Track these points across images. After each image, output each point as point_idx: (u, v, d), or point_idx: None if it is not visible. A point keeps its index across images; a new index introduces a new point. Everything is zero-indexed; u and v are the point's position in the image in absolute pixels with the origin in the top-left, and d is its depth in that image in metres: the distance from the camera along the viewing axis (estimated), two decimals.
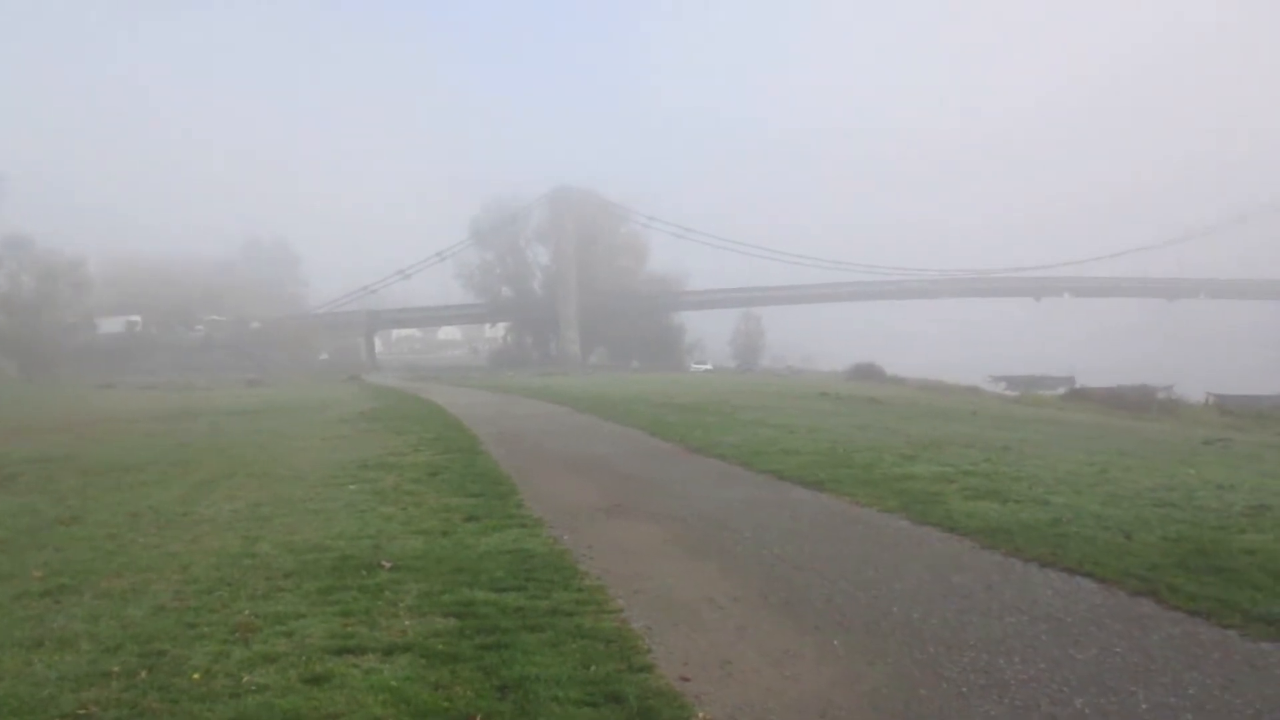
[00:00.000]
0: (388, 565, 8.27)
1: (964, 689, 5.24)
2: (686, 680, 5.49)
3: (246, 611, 6.93)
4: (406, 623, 6.59)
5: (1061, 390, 54.22)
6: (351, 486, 13.27)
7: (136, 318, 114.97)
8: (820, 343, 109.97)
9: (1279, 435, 24.32)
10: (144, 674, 5.64)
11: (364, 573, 8.02)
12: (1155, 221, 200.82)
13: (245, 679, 5.53)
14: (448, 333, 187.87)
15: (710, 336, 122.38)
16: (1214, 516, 9.52)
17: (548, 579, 7.75)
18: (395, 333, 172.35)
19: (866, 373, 67.43)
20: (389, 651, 5.98)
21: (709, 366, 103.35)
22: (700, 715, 4.99)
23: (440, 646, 6.03)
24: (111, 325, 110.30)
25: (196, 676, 5.58)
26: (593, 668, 5.61)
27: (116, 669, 5.71)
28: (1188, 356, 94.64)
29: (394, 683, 5.39)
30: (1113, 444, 18.37)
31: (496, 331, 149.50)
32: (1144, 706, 4.92)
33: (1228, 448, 18.56)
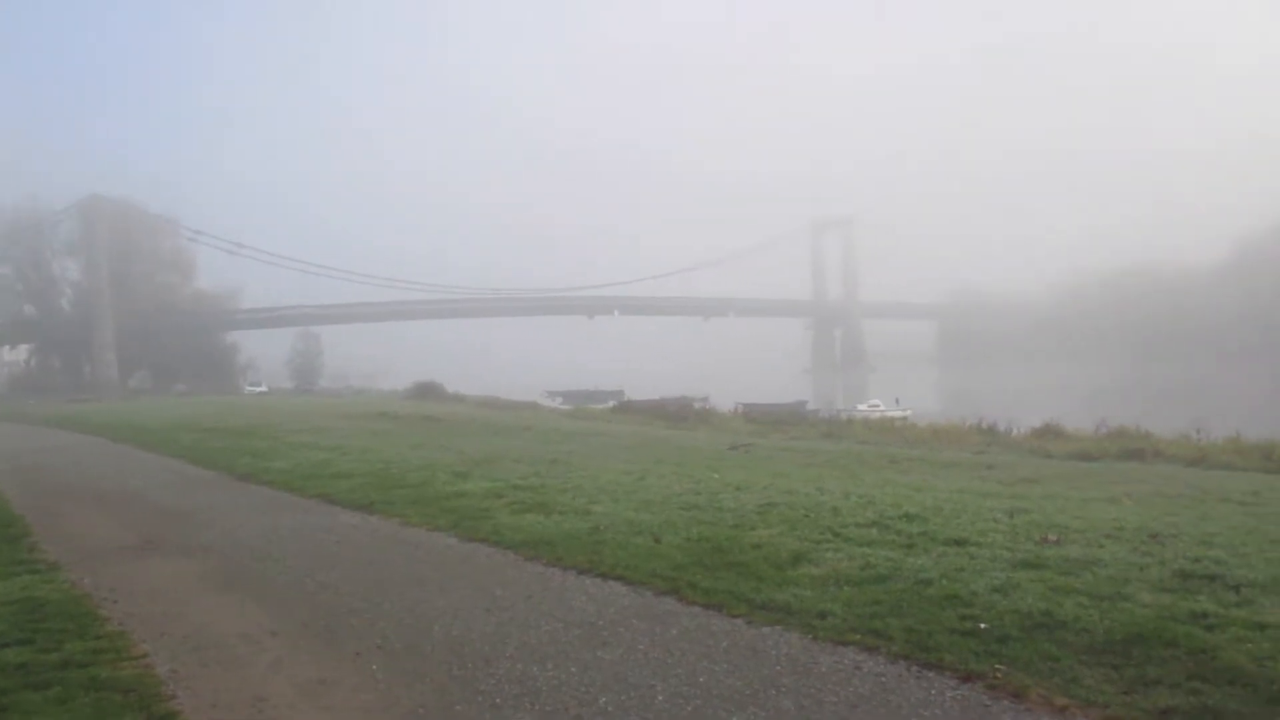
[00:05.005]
0: None
1: (498, 700, 5.36)
2: None
3: None
4: None
5: (612, 403, 57.14)
6: None
7: None
8: (388, 362, 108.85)
9: (792, 439, 27.26)
10: None
11: None
12: (702, 245, 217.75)
13: None
14: None
15: (267, 357, 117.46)
16: (731, 516, 10.35)
17: (60, 629, 7.03)
18: None
19: (426, 391, 67.43)
20: None
21: (264, 388, 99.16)
22: None
23: None
24: None
25: None
26: None
27: None
28: (724, 369, 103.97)
29: None
30: (652, 453, 19.71)
31: (18, 355, 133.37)
32: (660, 698, 5.28)
33: (749, 452, 20.54)
